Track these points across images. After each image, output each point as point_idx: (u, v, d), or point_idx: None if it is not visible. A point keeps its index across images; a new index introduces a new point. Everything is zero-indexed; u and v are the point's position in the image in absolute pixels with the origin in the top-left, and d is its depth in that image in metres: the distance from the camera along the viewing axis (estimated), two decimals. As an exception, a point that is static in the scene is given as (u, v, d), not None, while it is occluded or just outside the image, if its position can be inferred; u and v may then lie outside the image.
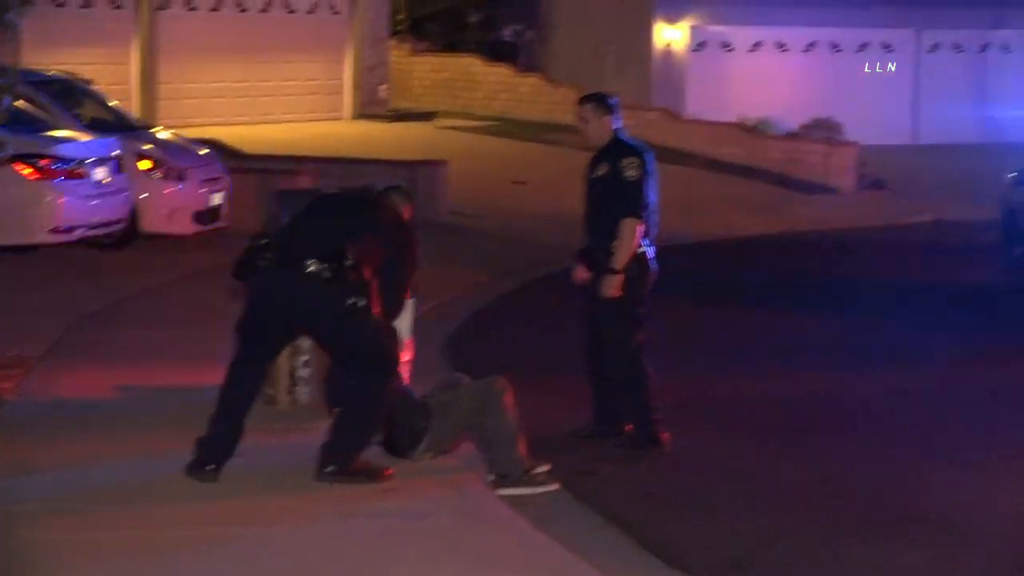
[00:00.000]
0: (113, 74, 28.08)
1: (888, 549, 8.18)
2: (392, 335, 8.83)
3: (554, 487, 8.89)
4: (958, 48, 36.28)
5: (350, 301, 8.48)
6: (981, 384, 12.43)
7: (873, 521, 8.68)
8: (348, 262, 8.49)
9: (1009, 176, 17.83)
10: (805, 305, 16.18)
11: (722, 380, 12.51)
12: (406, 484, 8.63)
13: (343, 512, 8.12)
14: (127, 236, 17.17)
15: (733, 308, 16.10)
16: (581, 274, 10.16)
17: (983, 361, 13.23)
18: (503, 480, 8.82)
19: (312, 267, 8.49)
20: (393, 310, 8.87)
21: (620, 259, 9.86)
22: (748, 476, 9.55)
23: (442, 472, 8.91)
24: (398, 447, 8.99)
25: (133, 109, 25.84)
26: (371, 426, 8.78)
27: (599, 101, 10.11)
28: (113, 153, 16.61)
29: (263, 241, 8.86)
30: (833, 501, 9.07)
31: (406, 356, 9.24)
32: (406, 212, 9.22)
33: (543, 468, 9.00)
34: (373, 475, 8.68)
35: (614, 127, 10.05)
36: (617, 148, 10.00)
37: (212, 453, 8.63)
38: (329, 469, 8.59)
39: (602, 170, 10.00)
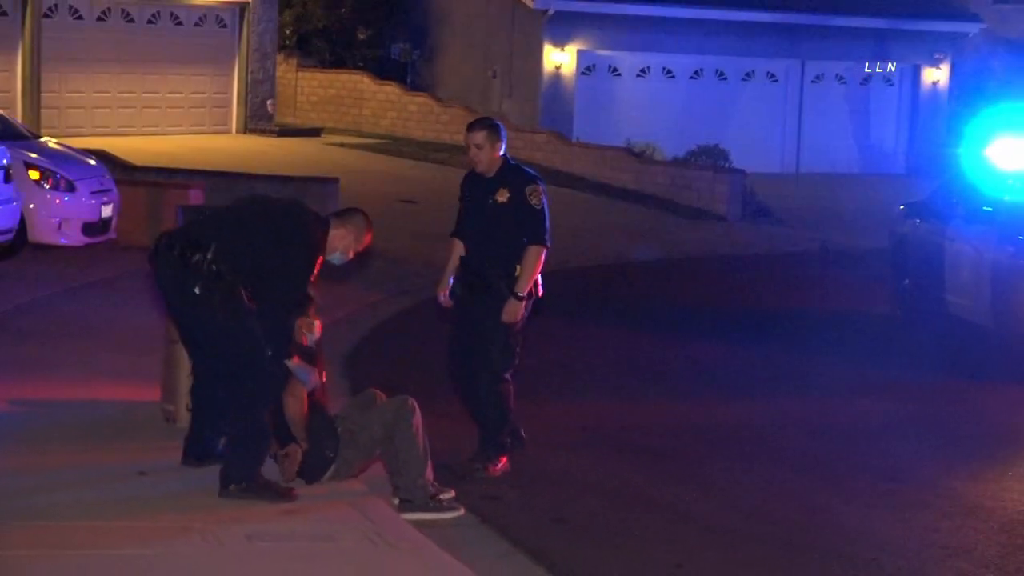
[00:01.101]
0: (-3, 81, 27.72)
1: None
2: (256, 347, 8.57)
3: (460, 512, 8.83)
4: (841, 79, 36.74)
5: (197, 289, 8.46)
6: (874, 414, 12.54)
7: (780, 552, 8.68)
8: (208, 255, 8.45)
9: (899, 208, 18.01)
10: (697, 332, 16.25)
11: (617, 405, 12.50)
12: (312, 506, 8.53)
13: (249, 533, 7.99)
14: (15, 246, 16.86)
15: (624, 333, 16.12)
16: (447, 298, 10.14)
17: (875, 391, 13.33)
18: (408, 504, 8.75)
19: (176, 252, 8.54)
20: (271, 327, 8.65)
21: (525, 285, 9.83)
22: (655, 503, 9.52)
23: (347, 495, 8.82)
24: (306, 473, 8.88)
25: (16, 118, 25.42)
26: (259, 437, 8.66)
27: (493, 128, 9.99)
28: (2, 162, 16.29)
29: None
30: (740, 530, 9.06)
31: (321, 376, 9.08)
32: (357, 240, 8.94)
33: (448, 494, 8.96)
34: (279, 494, 8.60)
35: (502, 153, 10.01)
36: (516, 174, 9.99)
37: (189, 447, 9.11)
38: (231, 487, 8.51)
39: (502, 196, 9.91)
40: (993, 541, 8.96)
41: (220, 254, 8.48)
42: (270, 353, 8.62)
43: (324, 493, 8.77)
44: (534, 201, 9.86)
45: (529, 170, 10.15)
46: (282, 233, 8.68)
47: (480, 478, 9.75)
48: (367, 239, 9.04)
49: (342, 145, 32.19)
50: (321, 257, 8.77)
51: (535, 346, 14.17)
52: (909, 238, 17.01)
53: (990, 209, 15.25)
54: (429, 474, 8.85)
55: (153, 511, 8.28)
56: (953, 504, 9.77)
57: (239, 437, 8.63)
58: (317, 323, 8.95)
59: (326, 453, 8.86)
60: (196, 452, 9.09)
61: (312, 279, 8.80)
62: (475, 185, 10.08)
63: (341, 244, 8.89)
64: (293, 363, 8.78)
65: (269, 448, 8.77)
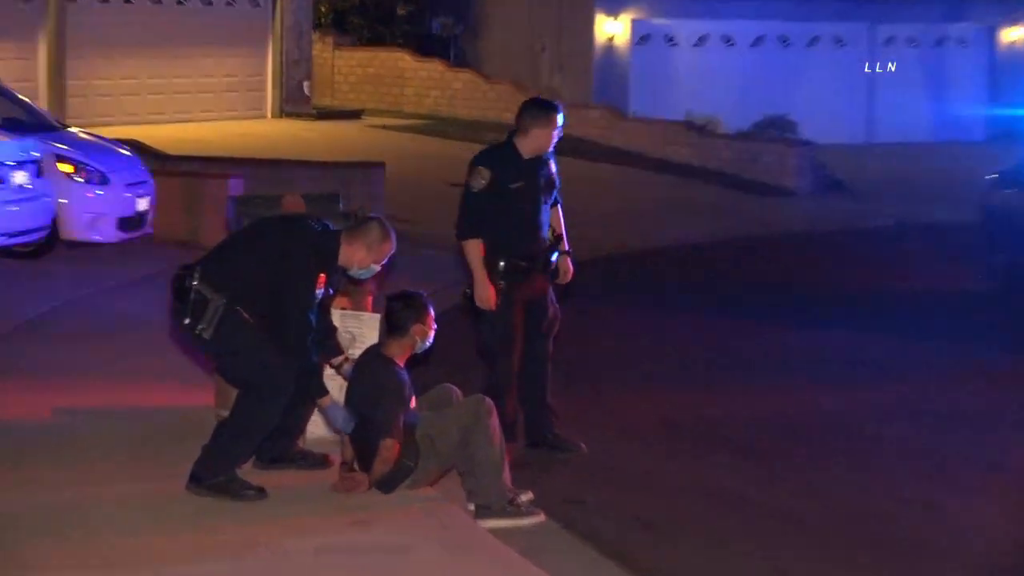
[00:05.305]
0: (19, 70, 27.58)
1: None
2: (258, 370, 8.64)
3: (540, 518, 8.68)
4: (913, 42, 36.38)
5: (185, 321, 8.64)
6: (973, 400, 12.33)
7: (888, 553, 8.51)
8: (194, 282, 8.61)
9: (989, 177, 17.76)
10: (773, 317, 16.03)
11: (695, 397, 12.31)
12: (383, 515, 8.40)
13: (319, 546, 7.87)
14: (46, 244, 16.74)
15: (695, 319, 15.90)
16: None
17: (972, 375, 13.12)
18: (486, 510, 8.60)
19: (174, 280, 8.78)
20: (289, 344, 8.67)
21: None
22: (748, 503, 9.36)
23: (419, 500, 8.67)
24: (382, 483, 8.74)
25: (41, 107, 25.40)
26: (244, 442, 8.76)
27: None
28: (33, 156, 16.19)
29: None
30: (833, 529, 8.90)
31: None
32: (371, 251, 8.87)
33: (527, 496, 8.82)
34: (255, 493, 8.61)
35: None
36: None
37: (262, 448, 9.05)
38: (202, 483, 8.60)
39: (554, 167, 10.37)
40: (1118, 535, 8.78)
41: (203, 276, 8.63)
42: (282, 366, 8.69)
43: (395, 499, 8.63)
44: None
45: None
46: (271, 249, 8.76)
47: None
48: (386, 249, 8.96)
49: (384, 127, 32.08)
50: (323, 275, 8.74)
51: (598, 336, 14.08)
52: (1002, 209, 16.79)
53: (1090, 175, 15.03)
54: (507, 477, 8.70)
55: (214, 524, 8.17)
56: (1069, 495, 9.61)
57: (224, 437, 8.71)
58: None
59: (405, 462, 8.71)
60: (272, 454, 9.11)
61: (319, 289, 8.75)
62: (527, 167, 10.19)
63: (355, 258, 8.88)
64: (325, 403, 8.90)
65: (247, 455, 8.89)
